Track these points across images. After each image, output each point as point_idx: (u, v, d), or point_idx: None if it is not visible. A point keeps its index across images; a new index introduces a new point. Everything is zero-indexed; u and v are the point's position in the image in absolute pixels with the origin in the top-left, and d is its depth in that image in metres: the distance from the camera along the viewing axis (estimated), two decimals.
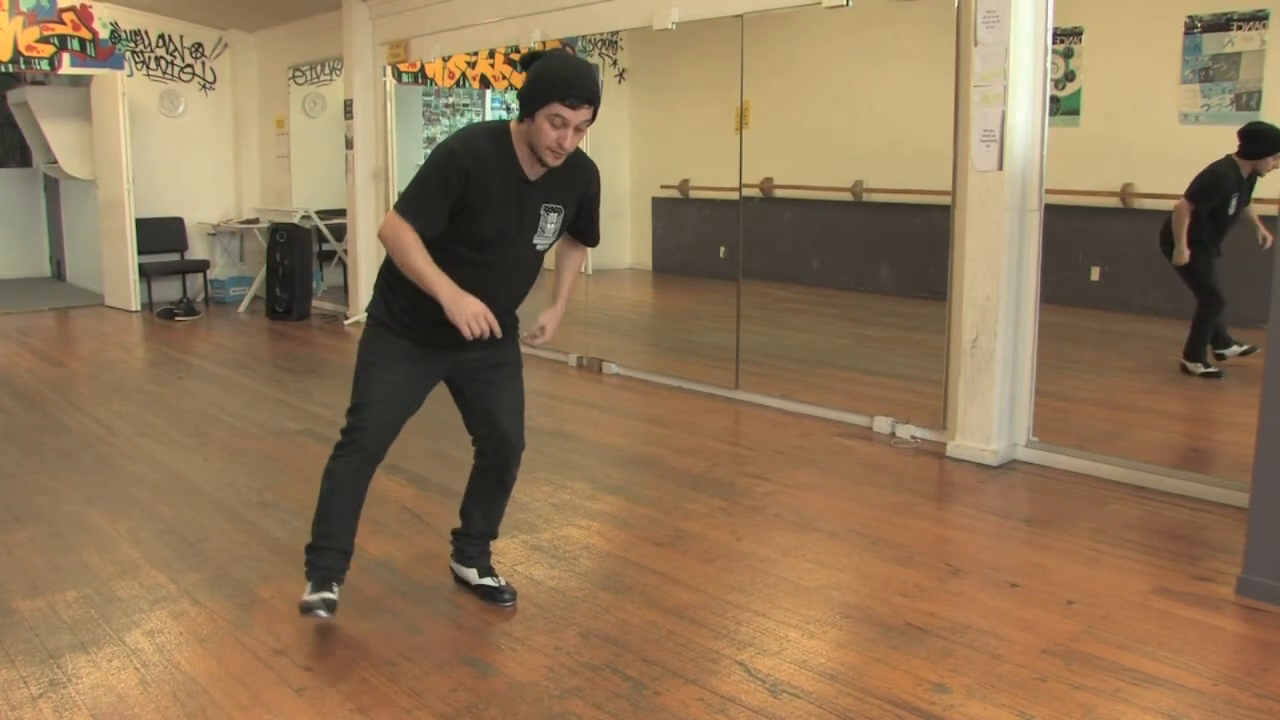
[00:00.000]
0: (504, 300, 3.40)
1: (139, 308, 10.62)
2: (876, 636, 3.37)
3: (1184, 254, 6.19)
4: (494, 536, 3.77)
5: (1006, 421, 5.24)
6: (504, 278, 3.36)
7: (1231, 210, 6.23)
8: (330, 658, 3.25)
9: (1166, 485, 4.76)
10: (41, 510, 4.66)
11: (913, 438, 5.64)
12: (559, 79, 3.08)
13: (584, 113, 3.10)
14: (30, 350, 8.62)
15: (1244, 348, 6.46)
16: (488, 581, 3.67)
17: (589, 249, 3.72)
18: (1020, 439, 5.26)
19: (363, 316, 9.62)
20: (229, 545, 4.22)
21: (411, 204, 3.20)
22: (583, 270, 3.73)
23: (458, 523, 3.74)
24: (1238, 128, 6.17)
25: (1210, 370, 6.42)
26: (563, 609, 3.59)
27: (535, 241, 3.34)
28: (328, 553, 3.44)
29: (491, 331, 3.20)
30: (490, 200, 3.19)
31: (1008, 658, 3.21)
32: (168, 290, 10.99)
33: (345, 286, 10.41)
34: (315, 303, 10.56)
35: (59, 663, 3.22)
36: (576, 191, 3.39)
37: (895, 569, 3.93)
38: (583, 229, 3.55)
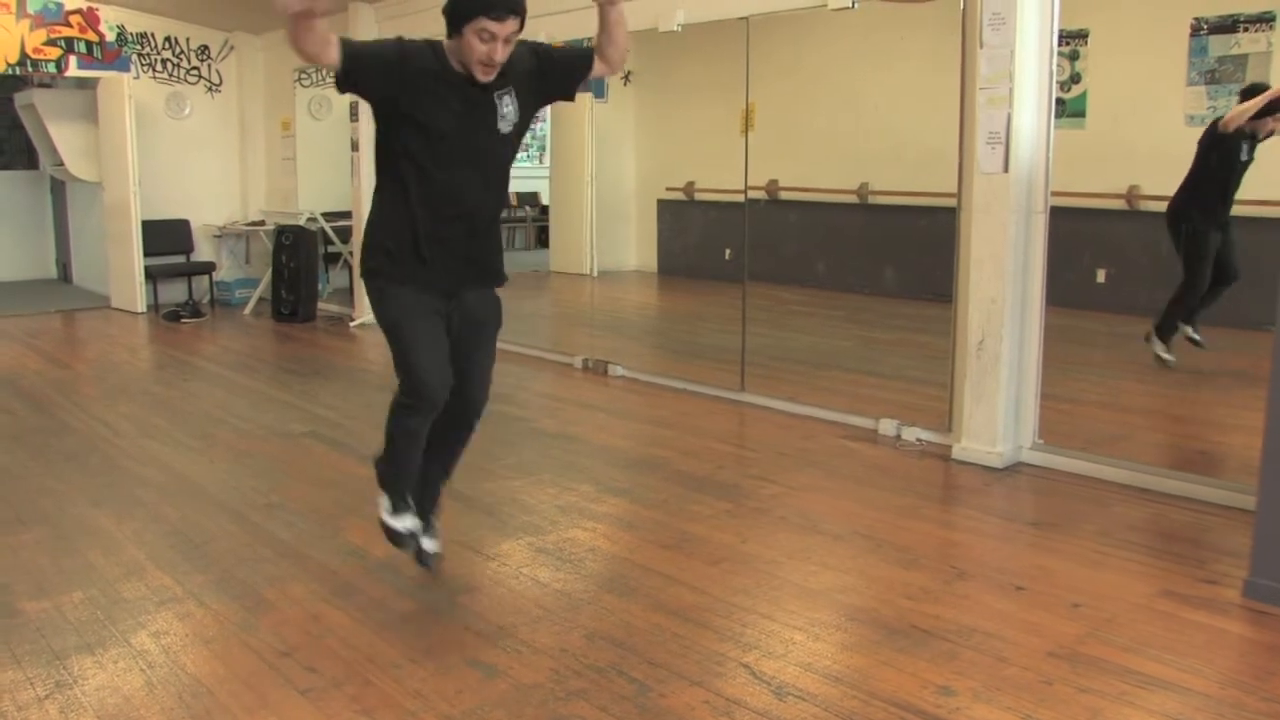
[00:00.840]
0: (479, 199, 3.44)
1: (145, 310, 10.64)
2: (882, 639, 3.37)
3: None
4: (448, 478, 3.85)
5: (1012, 424, 5.23)
6: (473, 169, 3.39)
7: (1242, 159, 6.19)
8: (335, 660, 3.25)
9: (1172, 488, 4.75)
10: (47, 512, 4.67)
11: (918, 440, 5.63)
12: None
13: (510, 24, 3.16)
14: (36, 352, 8.63)
15: (1196, 338, 6.48)
16: (428, 544, 3.77)
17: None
18: (1025, 441, 5.25)
19: (367, 318, 9.68)
20: (234, 547, 4.22)
21: (350, 43, 3.21)
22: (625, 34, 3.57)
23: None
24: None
25: (1165, 357, 6.42)
26: (568, 611, 3.59)
27: (498, 126, 3.37)
28: (402, 477, 3.62)
29: (470, 260, 3.42)
30: (427, 85, 3.26)
31: (1013, 660, 3.20)
32: (173, 292, 10.99)
33: (350, 289, 10.41)
34: (320, 305, 10.56)
35: (65, 664, 3.23)
36: (521, 69, 3.40)
37: (900, 572, 3.92)
38: (570, 68, 3.54)
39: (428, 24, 8.84)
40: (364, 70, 3.24)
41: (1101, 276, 7.51)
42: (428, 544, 3.78)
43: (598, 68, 3.55)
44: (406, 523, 3.64)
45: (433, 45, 3.35)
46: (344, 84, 3.27)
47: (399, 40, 3.34)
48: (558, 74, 3.53)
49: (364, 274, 3.50)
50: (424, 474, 3.71)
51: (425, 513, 3.78)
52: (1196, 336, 6.47)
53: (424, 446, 3.60)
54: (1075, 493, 4.82)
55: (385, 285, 3.43)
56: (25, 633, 3.44)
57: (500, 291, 3.65)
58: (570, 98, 3.64)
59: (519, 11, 3.18)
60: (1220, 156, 6.21)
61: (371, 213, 3.50)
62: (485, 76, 3.24)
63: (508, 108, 3.38)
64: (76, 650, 3.32)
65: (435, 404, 3.45)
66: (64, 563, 4.06)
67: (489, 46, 3.16)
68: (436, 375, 3.42)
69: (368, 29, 9.45)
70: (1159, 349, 6.45)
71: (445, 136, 3.31)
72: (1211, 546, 4.15)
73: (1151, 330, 6.52)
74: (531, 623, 3.49)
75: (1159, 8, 7.12)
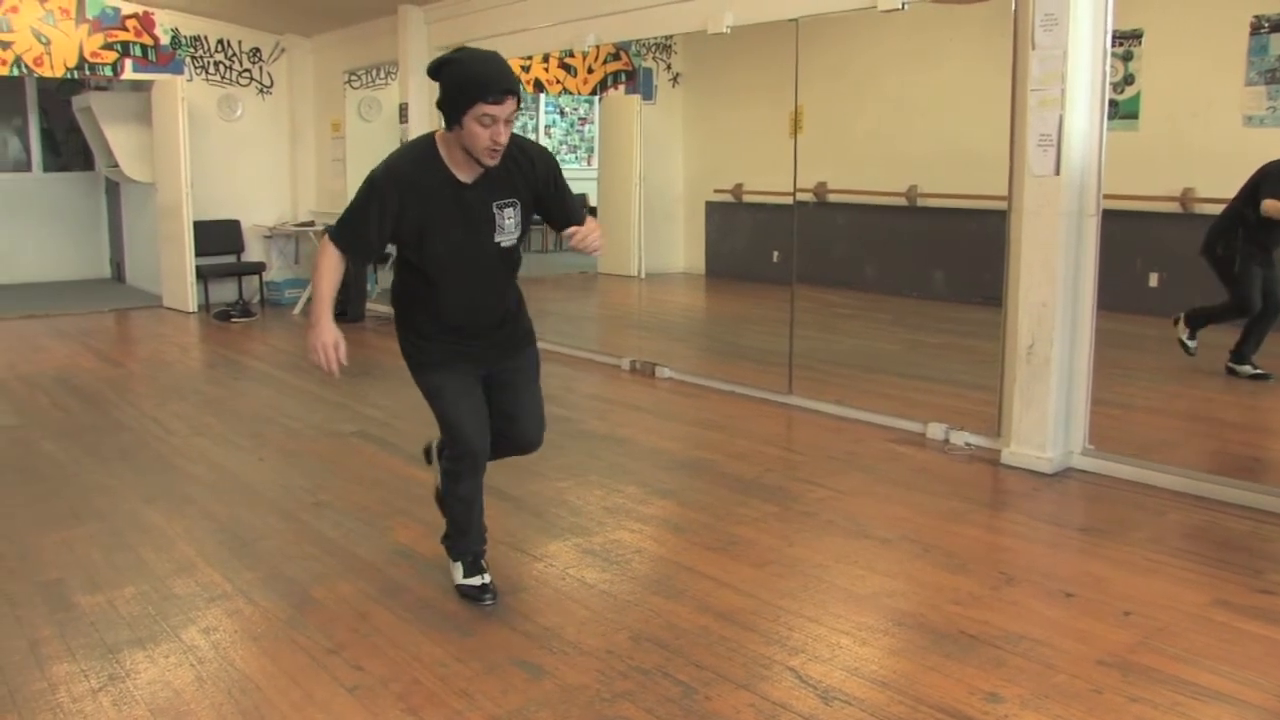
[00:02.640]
0: (491, 306, 3.51)
1: (196, 309, 10.77)
2: (929, 644, 3.34)
3: None
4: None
5: (1062, 429, 5.17)
6: (480, 285, 3.44)
7: None
8: (382, 658, 3.27)
9: (1227, 495, 4.67)
10: (101, 508, 4.74)
11: (966, 445, 5.58)
12: (476, 79, 3.09)
13: (509, 105, 3.11)
14: (90, 350, 8.76)
15: (1258, 371, 6.38)
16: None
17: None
18: (1076, 447, 5.19)
19: None
20: (283, 545, 4.26)
21: (343, 230, 3.38)
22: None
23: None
24: None
25: (1259, 372, 6.33)
26: (614, 613, 3.59)
27: (498, 239, 3.37)
28: (470, 541, 3.73)
29: (495, 344, 3.51)
30: (428, 215, 3.28)
31: (1062, 668, 3.17)
32: (224, 292, 11.13)
33: None
34: (369, 305, 10.64)
35: (117, 658, 3.27)
36: (527, 179, 3.37)
37: (948, 576, 3.89)
38: (556, 215, 3.47)
39: (477, 26, 8.94)
40: (362, 241, 3.38)
41: (1154, 280, 7.42)
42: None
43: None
44: (484, 579, 3.70)
45: (418, 151, 3.34)
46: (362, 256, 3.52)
47: (373, 184, 3.29)
48: (549, 201, 3.45)
49: (402, 351, 3.63)
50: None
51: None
52: (1262, 370, 6.39)
53: (479, 515, 3.72)
54: (1126, 499, 4.75)
55: (425, 366, 3.55)
56: (80, 626, 3.49)
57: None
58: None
59: (515, 91, 3.15)
60: (1259, 219, 6.13)
61: (395, 289, 3.59)
62: (492, 161, 3.19)
63: (509, 220, 3.38)
64: (129, 644, 3.36)
65: (477, 456, 3.54)
66: (117, 558, 4.11)
67: (491, 130, 3.12)
68: (477, 435, 3.51)
69: (417, 31, 9.53)
70: (1245, 371, 6.37)
71: (445, 258, 3.36)
72: (1268, 555, 4.07)
73: (1181, 316, 6.48)
74: (578, 624, 3.49)
75: (1217, 7, 7.02)
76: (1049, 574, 3.94)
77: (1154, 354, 7.31)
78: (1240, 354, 6.43)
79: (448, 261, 3.36)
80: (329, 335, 3.38)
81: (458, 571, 3.72)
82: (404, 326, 3.58)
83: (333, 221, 3.53)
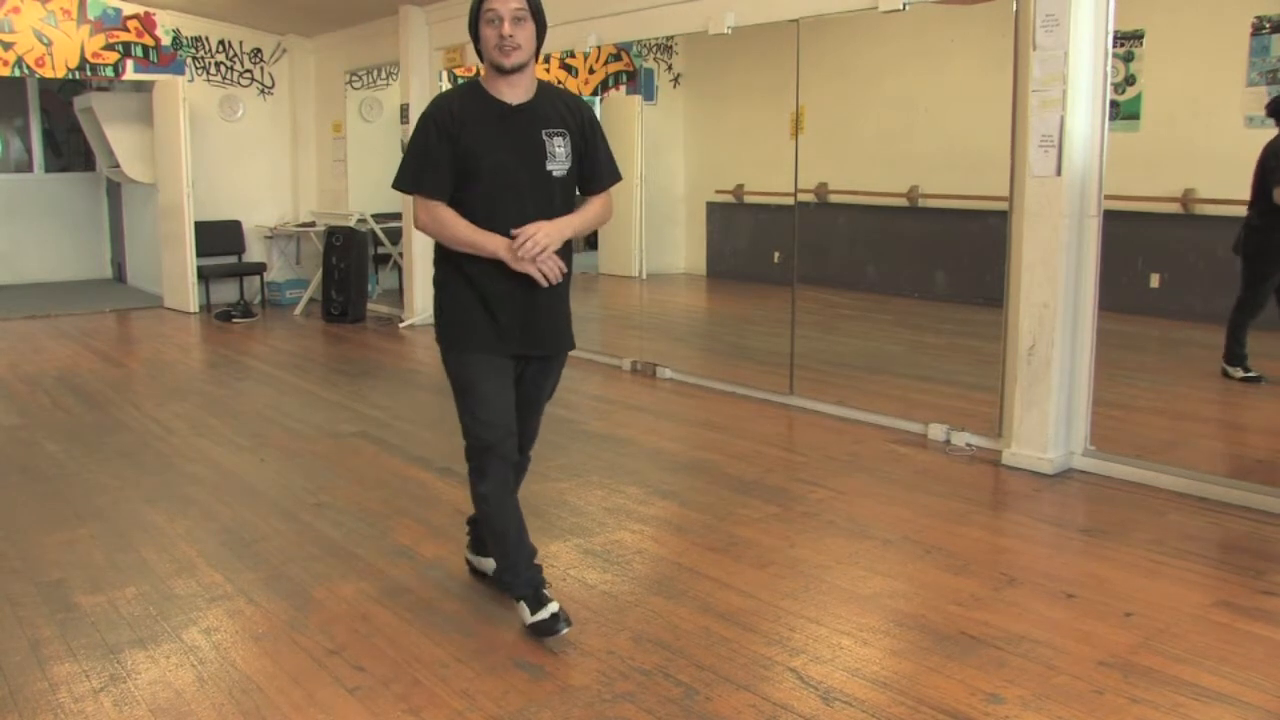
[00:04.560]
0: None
1: (197, 309, 10.77)
2: (930, 645, 3.34)
3: None
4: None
5: (1063, 430, 5.17)
6: (534, 217, 3.27)
7: None
8: (383, 659, 3.27)
9: (1229, 496, 4.67)
10: (102, 508, 4.74)
11: (968, 445, 5.58)
12: None
13: (512, 1, 3.18)
14: (92, 350, 8.76)
15: (1251, 374, 6.34)
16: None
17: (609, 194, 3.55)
18: (1077, 447, 5.19)
19: (416, 319, 9.76)
20: (284, 546, 4.26)
21: (413, 175, 3.29)
22: (608, 217, 3.57)
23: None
24: None
25: (1250, 375, 6.30)
26: (615, 613, 3.59)
27: (549, 167, 3.30)
28: (521, 568, 3.44)
29: (541, 328, 3.35)
30: (476, 135, 3.23)
31: (1064, 669, 3.17)
32: (225, 292, 11.14)
33: (400, 289, 10.49)
34: (370, 306, 10.64)
35: (119, 658, 3.27)
36: (578, 119, 3.38)
37: (950, 577, 3.89)
38: (590, 170, 3.43)
39: None
40: (443, 176, 3.27)
41: (1155, 281, 7.41)
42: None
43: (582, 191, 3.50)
44: (552, 609, 3.38)
45: (462, 85, 3.42)
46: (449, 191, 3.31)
47: (424, 119, 3.31)
48: (582, 158, 3.41)
49: (437, 338, 3.44)
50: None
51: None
52: (1255, 373, 6.34)
53: (519, 523, 3.47)
54: (1128, 500, 4.75)
55: (459, 350, 3.37)
56: (81, 626, 3.49)
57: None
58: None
59: None
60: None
61: (438, 252, 3.42)
62: (505, 59, 3.19)
63: (560, 148, 3.32)
64: (130, 645, 3.36)
65: (504, 459, 3.39)
66: (118, 558, 4.11)
67: (498, 29, 3.16)
68: (502, 430, 3.36)
69: (418, 31, 9.54)
70: (1237, 374, 6.34)
71: (496, 184, 3.26)
72: (1269, 556, 4.07)
73: (1223, 366, 6.40)
74: (579, 624, 3.49)
75: (1218, 7, 7.01)
76: (1050, 575, 3.94)
77: (1155, 354, 7.31)
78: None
79: (499, 188, 3.26)
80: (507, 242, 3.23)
81: (524, 612, 3.40)
82: (443, 315, 3.41)
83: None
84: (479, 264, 3.29)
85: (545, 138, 3.29)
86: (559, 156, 3.31)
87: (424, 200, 3.29)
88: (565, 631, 3.36)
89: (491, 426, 3.35)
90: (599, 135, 3.45)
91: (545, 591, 3.44)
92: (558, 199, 3.35)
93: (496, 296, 3.31)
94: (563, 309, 3.49)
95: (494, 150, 3.25)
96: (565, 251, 3.38)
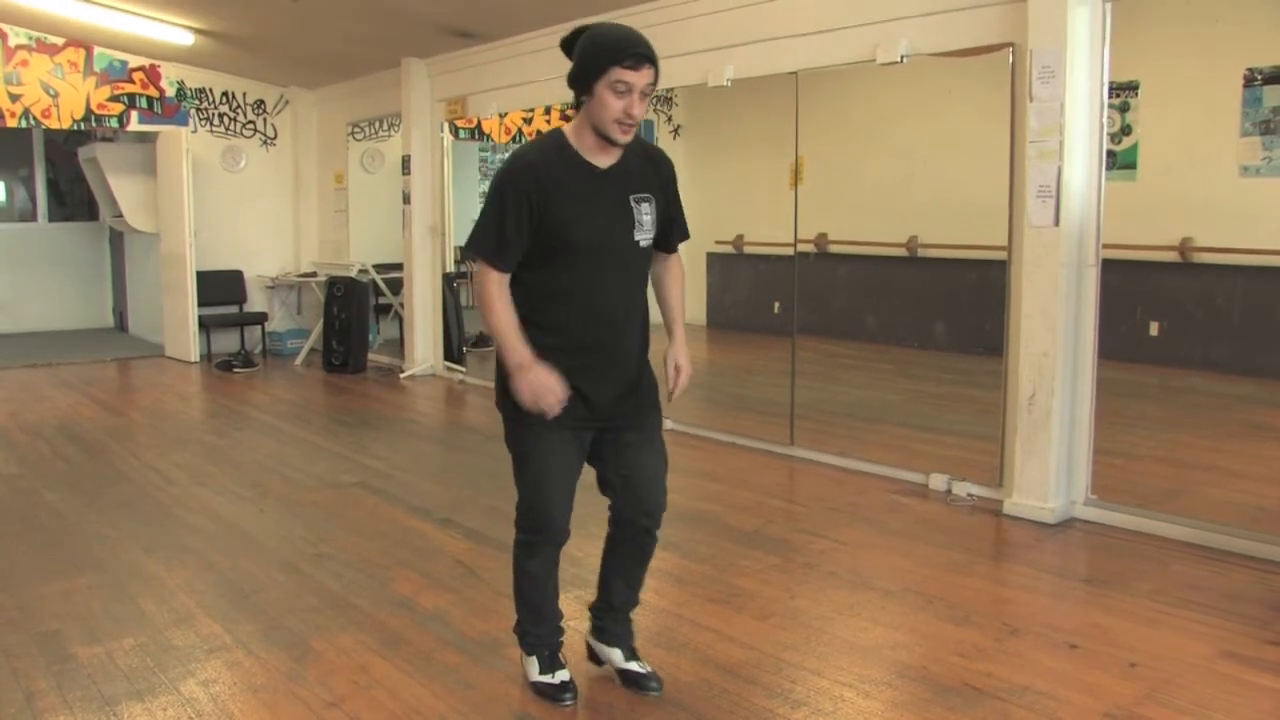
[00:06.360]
0: (619, 322, 3.16)
1: (198, 359, 10.79)
2: (933, 697, 3.32)
3: None
4: (636, 604, 3.50)
5: (1064, 479, 5.16)
6: (616, 289, 3.09)
7: None
8: (382, 711, 3.24)
9: (1233, 545, 4.65)
10: (100, 558, 4.72)
11: (969, 495, 5.57)
12: (612, 42, 2.85)
13: (646, 73, 2.85)
14: (92, 400, 8.76)
15: None
16: (634, 667, 3.40)
17: (679, 254, 3.34)
18: (1078, 497, 5.18)
19: (417, 370, 9.77)
20: (283, 597, 4.24)
21: (483, 239, 2.99)
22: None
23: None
24: None
25: None
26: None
27: (637, 238, 3.05)
28: (545, 629, 3.37)
29: (628, 400, 3.20)
30: (566, 203, 2.95)
31: None
32: (226, 342, 11.15)
33: (401, 340, 10.50)
34: (371, 356, 10.64)
35: (115, 710, 3.24)
36: (661, 178, 3.13)
37: (952, 628, 3.87)
38: (667, 229, 3.20)
39: (481, 78, 9.03)
40: (513, 245, 2.98)
41: (1155, 329, 7.43)
42: (635, 666, 3.41)
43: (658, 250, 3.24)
44: (561, 676, 3.32)
45: (545, 141, 3.06)
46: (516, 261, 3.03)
47: (506, 179, 2.98)
48: (662, 218, 3.17)
49: (498, 400, 3.21)
50: (608, 599, 3.45)
51: (621, 639, 3.45)
52: None
53: (554, 595, 3.36)
54: (1130, 549, 4.73)
55: (524, 422, 3.12)
56: (77, 678, 3.47)
57: None
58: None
59: (654, 59, 2.87)
60: None
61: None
62: (624, 136, 2.91)
63: (646, 215, 3.06)
64: (127, 697, 3.34)
65: (555, 540, 3.27)
66: (116, 609, 4.09)
67: (625, 100, 2.85)
68: (558, 511, 3.22)
69: (420, 83, 9.62)
70: None
71: (584, 254, 3.01)
72: (1274, 606, 4.05)
73: None
74: (579, 677, 3.46)
75: (1211, 59, 7.08)
76: (1053, 625, 3.92)
77: (1156, 403, 7.30)
78: None
79: (588, 257, 3.00)
80: (547, 378, 2.98)
81: (532, 667, 3.33)
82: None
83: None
84: (573, 303, 3.08)
85: (634, 204, 3.05)
86: (645, 225, 3.07)
87: (496, 272, 3.00)
88: (570, 704, 3.26)
89: (553, 521, 3.24)
90: (676, 193, 3.21)
91: (560, 656, 3.37)
92: (644, 268, 3.18)
93: (579, 347, 3.12)
94: (649, 375, 3.42)
95: (587, 220, 2.99)
96: (647, 266, 3.21)
